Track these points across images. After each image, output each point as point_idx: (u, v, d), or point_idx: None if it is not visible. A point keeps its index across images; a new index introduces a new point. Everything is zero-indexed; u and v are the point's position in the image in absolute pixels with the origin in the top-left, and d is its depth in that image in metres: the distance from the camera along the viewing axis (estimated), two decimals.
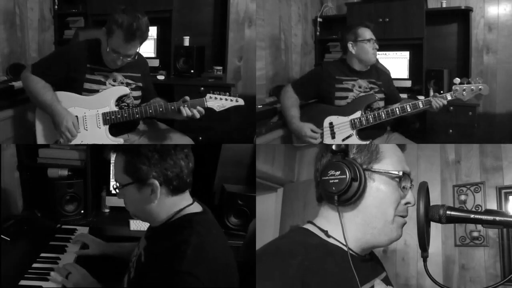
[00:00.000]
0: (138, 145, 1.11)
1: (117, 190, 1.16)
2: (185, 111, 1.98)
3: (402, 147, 1.01)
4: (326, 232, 0.93)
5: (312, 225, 0.97)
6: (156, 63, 3.04)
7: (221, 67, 3.01)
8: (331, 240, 0.92)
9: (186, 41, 3.07)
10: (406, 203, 0.94)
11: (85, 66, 2.02)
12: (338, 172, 0.90)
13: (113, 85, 2.06)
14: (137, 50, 2.00)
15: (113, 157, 1.19)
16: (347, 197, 0.89)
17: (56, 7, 3.29)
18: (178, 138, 2.24)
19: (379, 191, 0.91)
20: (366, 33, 2.38)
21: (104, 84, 2.04)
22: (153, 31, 3.04)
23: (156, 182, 1.09)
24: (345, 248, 0.89)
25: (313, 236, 0.94)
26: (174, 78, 2.96)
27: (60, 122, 1.96)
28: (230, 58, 3.16)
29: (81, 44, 2.10)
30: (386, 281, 0.99)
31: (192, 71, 2.91)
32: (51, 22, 3.28)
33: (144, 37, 1.94)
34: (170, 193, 1.13)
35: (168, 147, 1.12)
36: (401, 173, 0.92)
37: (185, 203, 1.17)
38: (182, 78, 2.93)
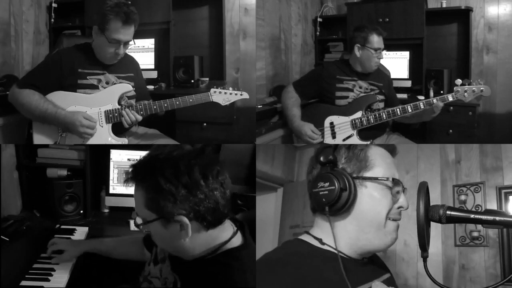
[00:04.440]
0: (159, 178, 0.94)
1: (141, 227, 1.02)
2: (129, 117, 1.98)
3: (392, 150, 1.01)
4: (320, 240, 0.94)
5: (307, 234, 0.98)
6: (154, 74, 3.03)
7: (207, 79, 3.01)
8: (325, 247, 0.93)
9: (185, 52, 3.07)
10: (399, 207, 0.95)
11: (77, 72, 2.00)
12: (327, 184, 0.91)
13: (106, 88, 2.05)
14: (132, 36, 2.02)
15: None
16: (337, 207, 0.91)
17: (52, 20, 3.23)
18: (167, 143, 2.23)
19: (371, 197, 0.92)
20: (376, 41, 2.34)
21: (97, 88, 2.03)
22: (150, 43, 3.04)
23: (185, 219, 0.95)
24: (340, 254, 0.90)
25: (306, 245, 0.95)
26: (174, 89, 2.95)
27: (74, 125, 1.94)
28: (227, 70, 3.15)
29: (71, 50, 2.08)
30: (389, 282, 0.99)
31: (192, 81, 2.90)
32: (46, 36, 3.23)
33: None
34: (205, 228, 0.99)
35: (197, 179, 0.95)
36: (391, 179, 0.93)
37: (226, 235, 1.04)
38: (182, 88, 2.92)
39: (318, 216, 0.99)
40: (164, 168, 0.95)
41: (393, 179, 0.93)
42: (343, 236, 0.93)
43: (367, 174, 0.93)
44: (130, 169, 1.01)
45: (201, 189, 0.95)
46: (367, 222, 0.92)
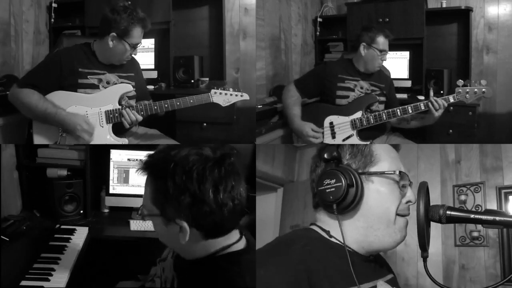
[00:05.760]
0: (168, 181, 0.91)
1: (144, 218, 1.01)
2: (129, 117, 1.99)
3: (396, 147, 1.01)
4: (328, 232, 0.93)
5: (314, 225, 0.98)
6: (154, 74, 3.03)
7: (207, 79, 3.01)
8: (333, 240, 0.93)
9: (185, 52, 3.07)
10: (407, 202, 0.94)
11: (77, 71, 2.00)
12: (333, 181, 0.89)
13: (107, 88, 2.05)
14: None
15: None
16: (345, 204, 0.89)
17: (52, 20, 3.23)
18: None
19: (379, 193, 0.91)
20: (382, 43, 2.35)
21: (98, 87, 2.03)
22: (150, 43, 3.05)
23: (185, 225, 0.92)
24: (347, 248, 0.89)
25: (315, 233, 0.95)
26: (174, 89, 2.95)
27: (73, 127, 1.94)
28: (227, 70, 3.15)
29: (70, 50, 2.09)
30: (393, 283, 0.99)
31: (192, 81, 2.89)
32: (46, 36, 3.22)
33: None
34: (204, 238, 0.95)
35: (206, 190, 0.90)
36: (398, 172, 0.92)
37: (231, 241, 0.99)
38: (182, 88, 2.91)
39: (320, 212, 0.98)
40: (176, 173, 0.91)
41: (400, 172, 0.92)
42: (352, 233, 0.92)
43: (373, 169, 0.92)
44: (145, 159, 0.98)
45: (208, 203, 0.90)
46: (376, 219, 0.91)
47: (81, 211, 2.33)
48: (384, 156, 0.94)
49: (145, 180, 0.99)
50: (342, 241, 0.90)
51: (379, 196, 0.91)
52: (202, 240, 0.96)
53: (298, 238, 0.91)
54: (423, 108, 2.19)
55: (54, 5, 3.21)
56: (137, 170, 0.99)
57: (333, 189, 0.89)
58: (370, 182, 0.91)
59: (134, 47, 2.03)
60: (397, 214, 0.92)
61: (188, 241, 0.94)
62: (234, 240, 1.00)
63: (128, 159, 2.43)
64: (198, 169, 0.91)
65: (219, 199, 0.91)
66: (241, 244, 1.02)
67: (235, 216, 0.96)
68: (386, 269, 1.04)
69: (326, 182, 0.90)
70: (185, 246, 0.96)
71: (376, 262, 0.99)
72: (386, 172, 0.91)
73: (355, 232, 0.92)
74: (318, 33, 3.77)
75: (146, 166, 0.98)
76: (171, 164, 0.92)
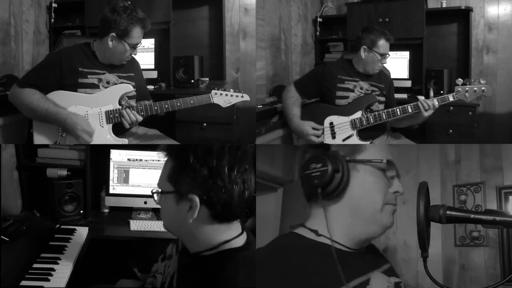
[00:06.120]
0: (190, 154, 0.97)
1: (155, 196, 1.04)
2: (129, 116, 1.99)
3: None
4: (316, 232, 0.92)
5: (302, 228, 0.96)
6: (154, 74, 3.03)
7: (207, 79, 3.01)
8: (321, 239, 0.91)
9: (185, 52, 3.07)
10: (395, 192, 0.94)
11: (77, 70, 2.00)
12: (319, 165, 0.89)
13: (107, 88, 2.05)
14: None
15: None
16: (330, 189, 0.88)
17: (52, 20, 3.23)
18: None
19: (364, 182, 0.91)
20: (383, 47, 2.33)
21: (98, 87, 2.03)
22: (150, 43, 3.04)
23: (196, 199, 0.95)
24: (336, 245, 0.88)
25: (299, 239, 0.93)
26: (174, 89, 2.95)
27: (73, 127, 1.94)
28: (227, 70, 3.15)
29: (71, 50, 2.09)
30: (390, 273, 0.98)
31: (192, 81, 2.89)
32: (46, 36, 3.23)
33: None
34: (211, 218, 0.98)
35: (223, 166, 0.95)
36: (385, 161, 0.91)
37: (231, 234, 1.01)
38: (182, 88, 2.91)
39: (313, 206, 0.97)
40: (198, 149, 0.97)
41: (387, 160, 0.91)
42: (338, 223, 0.91)
43: (360, 156, 0.91)
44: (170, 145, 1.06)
45: (222, 177, 0.95)
46: (361, 208, 0.90)
47: (81, 211, 2.33)
48: (372, 144, 0.93)
49: (165, 162, 1.04)
50: (329, 235, 0.89)
51: (364, 186, 0.91)
52: (208, 221, 0.97)
53: (276, 253, 0.89)
54: (421, 107, 2.20)
55: (54, 5, 3.22)
56: (159, 150, 1.05)
57: (319, 173, 0.88)
58: (356, 171, 0.91)
59: (134, 47, 2.03)
60: (384, 204, 0.91)
61: (195, 221, 0.96)
62: (236, 234, 1.02)
63: (128, 159, 2.43)
64: (218, 147, 0.97)
65: (233, 176, 0.96)
66: (242, 240, 1.03)
67: (242, 202, 0.99)
68: (381, 259, 1.02)
69: (312, 166, 0.90)
70: (190, 231, 0.99)
71: (370, 254, 0.98)
72: (373, 160, 0.91)
73: (343, 223, 0.91)
74: (318, 33, 3.77)
75: (171, 148, 1.03)
76: (194, 143, 0.99)
